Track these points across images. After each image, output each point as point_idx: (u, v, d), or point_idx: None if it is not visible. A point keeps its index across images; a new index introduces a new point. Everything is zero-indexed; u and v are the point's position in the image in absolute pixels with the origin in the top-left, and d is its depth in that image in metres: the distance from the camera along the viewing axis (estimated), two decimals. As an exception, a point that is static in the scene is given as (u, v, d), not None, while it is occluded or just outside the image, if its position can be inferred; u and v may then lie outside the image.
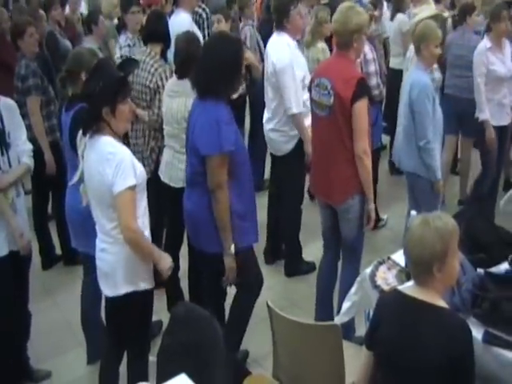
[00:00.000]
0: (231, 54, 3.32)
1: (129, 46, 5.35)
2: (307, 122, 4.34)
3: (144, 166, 3.82)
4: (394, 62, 6.74)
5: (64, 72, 3.89)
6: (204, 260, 3.53)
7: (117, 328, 3.20)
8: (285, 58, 4.44)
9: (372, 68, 5.21)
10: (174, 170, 4.08)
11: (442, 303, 2.37)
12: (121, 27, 5.84)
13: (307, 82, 4.34)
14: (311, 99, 3.88)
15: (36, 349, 3.96)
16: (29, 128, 4.56)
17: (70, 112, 3.65)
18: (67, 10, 8.42)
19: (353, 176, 3.65)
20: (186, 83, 3.83)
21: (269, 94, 4.65)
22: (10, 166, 3.51)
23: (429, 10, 5.59)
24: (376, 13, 6.17)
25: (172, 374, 2.37)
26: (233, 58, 3.33)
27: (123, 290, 3.02)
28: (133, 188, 2.90)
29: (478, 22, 6.10)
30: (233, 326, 3.66)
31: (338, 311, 3.58)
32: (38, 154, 4.62)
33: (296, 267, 4.92)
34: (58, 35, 6.59)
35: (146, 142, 4.52)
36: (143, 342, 3.24)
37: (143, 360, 3.23)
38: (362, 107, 3.53)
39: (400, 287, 2.56)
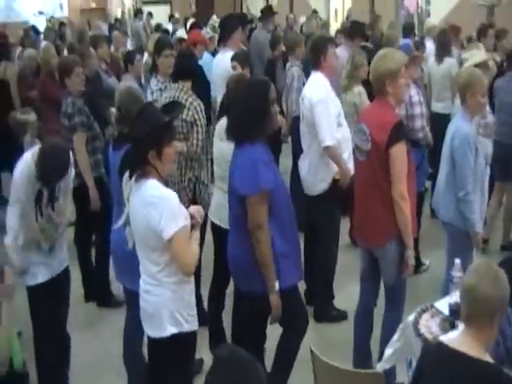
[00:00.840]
0: (257, 97, 3.39)
1: (160, 89, 5.32)
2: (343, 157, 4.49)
3: (181, 196, 3.92)
4: (437, 107, 6.75)
5: (117, 110, 3.99)
6: (247, 301, 3.55)
7: (160, 368, 3.22)
8: (320, 92, 4.59)
9: (417, 110, 5.26)
10: (223, 211, 4.05)
11: (487, 357, 2.34)
12: (152, 70, 5.76)
13: (342, 119, 4.42)
14: (354, 144, 3.96)
15: (77, 380, 4.02)
16: (75, 164, 4.71)
17: (119, 151, 3.65)
18: (112, 47, 8.71)
19: (390, 220, 3.64)
20: None
21: (305, 133, 4.75)
22: (53, 210, 3.74)
23: (479, 55, 5.48)
24: (417, 53, 6.14)
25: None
26: (259, 100, 3.38)
27: (168, 331, 3.05)
28: (185, 228, 2.97)
29: None
30: (279, 366, 3.64)
31: (380, 358, 3.55)
32: (83, 188, 4.82)
33: (326, 313, 4.86)
34: (102, 73, 6.75)
35: (183, 173, 4.62)
36: (185, 382, 3.26)
37: None
38: (398, 151, 3.55)
39: (444, 338, 2.54)
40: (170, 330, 3.04)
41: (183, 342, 3.10)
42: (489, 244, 5.95)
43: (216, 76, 6.36)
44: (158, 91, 5.32)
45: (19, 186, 3.63)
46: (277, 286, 3.31)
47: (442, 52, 6.89)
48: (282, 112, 5.45)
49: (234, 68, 5.49)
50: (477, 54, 5.46)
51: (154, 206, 2.92)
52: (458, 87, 4.35)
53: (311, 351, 2.94)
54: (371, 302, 4.05)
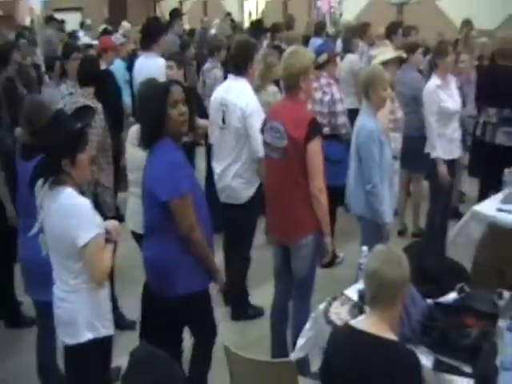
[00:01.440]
0: (153, 99, 3.32)
1: (71, 94, 5.27)
2: None
3: None
4: (346, 102, 6.92)
5: (25, 120, 3.88)
6: (165, 304, 3.41)
7: (77, 375, 3.18)
8: (252, 102, 4.53)
9: (340, 107, 5.41)
10: (138, 216, 3.98)
11: (390, 335, 2.45)
12: (61, 75, 5.79)
13: None
14: (264, 143, 3.97)
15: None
16: None
17: (31, 162, 3.53)
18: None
19: (308, 214, 3.73)
20: None
21: (230, 141, 4.60)
22: None
23: (388, 52, 5.57)
24: (336, 51, 6.32)
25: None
26: (155, 102, 3.29)
27: (85, 337, 3.03)
28: (100, 236, 2.98)
29: (420, 60, 6.37)
30: (196, 373, 3.63)
31: (293, 348, 3.60)
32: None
33: (243, 311, 4.92)
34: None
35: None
36: None
37: None
38: (315, 147, 3.63)
39: (351, 322, 2.64)
40: (87, 335, 3.03)
41: (100, 347, 3.09)
42: (406, 234, 6.23)
43: (140, 79, 6.27)
44: (68, 96, 5.26)
45: None
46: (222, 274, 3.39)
47: (346, 50, 7.09)
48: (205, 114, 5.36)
49: (169, 68, 5.48)
50: (386, 51, 5.57)
51: (71, 215, 2.93)
52: (360, 84, 4.46)
53: (225, 348, 2.96)
54: (286, 296, 4.12)
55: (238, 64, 4.65)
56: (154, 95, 3.35)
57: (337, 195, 4.95)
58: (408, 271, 2.48)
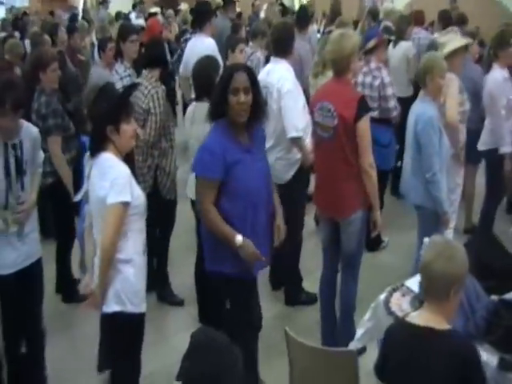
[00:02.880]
0: (218, 84, 3.38)
1: (129, 75, 5.39)
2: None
3: (142, 182, 4.20)
4: (398, 90, 6.79)
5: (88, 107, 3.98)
6: (213, 281, 3.58)
7: (109, 344, 3.30)
8: (290, 83, 4.53)
9: (390, 91, 5.46)
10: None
11: (446, 326, 2.40)
12: (117, 56, 5.78)
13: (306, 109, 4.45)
14: (314, 122, 4.01)
15: (52, 372, 3.98)
16: (49, 161, 4.61)
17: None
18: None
19: (358, 190, 3.84)
20: (204, 106, 3.94)
21: (270, 125, 4.51)
22: (22, 189, 3.57)
23: (457, 39, 5.18)
24: (385, 36, 6.20)
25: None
26: (218, 89, 3.34)
27: (111, 308, 3.08)
28: (126, 205, 2.98)
29: (477, 51, 6.19)
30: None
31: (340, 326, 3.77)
32: (57, 185, 4.66)
33: (296, 297, 4.92)
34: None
35: (144, 159, 4.68)
36: (127, 365, 3.27)
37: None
38: (364, 125, 3.74)
39: (406, 317, 2.57)
40: (114, 307, 3.07)
41: (126, 322, 3.12)
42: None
43: (191, 61, 6.31)
44: (128, 77, 5.31)
45: None
46: (239, 238, 3.22)
47: (398, 36, 6.96)
48: None
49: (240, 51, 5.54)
50: (455, 39, 5.24)
51: (107, 177, 3.00)
52: (418, 72, 4.40)
53: (286, 333, 2.96)
54: (334, 272, 4.22)
55: (277, 47, 4.69)
56: (220, 79, 3.39)
57: (384, 179, 4.91)
58: (464, 266, 2.39)
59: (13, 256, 3.57)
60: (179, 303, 4.95)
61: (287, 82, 4.53)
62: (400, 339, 2.48)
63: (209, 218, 3.26)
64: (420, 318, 2.45)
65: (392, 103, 5.45)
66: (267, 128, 4.63)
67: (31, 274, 3.69)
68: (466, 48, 5.05)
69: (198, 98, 4.39)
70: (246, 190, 3.29)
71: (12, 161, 3.49)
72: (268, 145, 4.59)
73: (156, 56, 4.85)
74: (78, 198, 3.36)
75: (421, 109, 4.20)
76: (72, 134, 4.85)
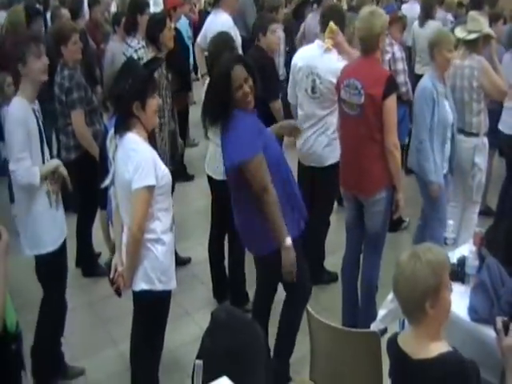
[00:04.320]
0: (220, 86, 3.33)
1: (143, 47, 5.31)
2: None
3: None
4: (421, 69, 6.71)
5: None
6: (262, 264, 3.59)
7: (138, 321, 3.29)
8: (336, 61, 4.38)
9: (400, 66, 5.47)
10: (215, 163, 4.24)
11: (439, 347, 2.25)
12: (130, 30, 5.72)
13: None
14: (341, 99, 3.98)
15: (71, 346, 4.03)
16: (73, 136, 4.63)
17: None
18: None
19: (383, 170, 3.84)
20: None
21: (306, 104, 4.56)
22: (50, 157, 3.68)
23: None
24: (400, 14, 6.15)
25: (212, 377, 2.40)
26: (221, 90, 3.31)
27: (139, 286, 3.09)
28: (151, 188, 2.95)
29: (502, 31, 5.99)
30: (285, 338, 3.69)
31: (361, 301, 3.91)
32: (81, 161, 4.67)
33: (317, 276, 4.85)
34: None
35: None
36: (155, 340, 3.30)
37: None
38: (391, 103, 3.72)
39: (399, 335, 2.41)
40: (141, 285, 3.08)
41: (155, 300, 3.14)
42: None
43: (208, 35, 6.21)
44: (142, 49, 5.27)
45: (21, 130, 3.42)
46: (288, 241, 3.27)
47: (425, 15, 6.87)
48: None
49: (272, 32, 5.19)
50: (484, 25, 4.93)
51: (130, 160, 2.95)
52: (428, 47, 4.39)
53: (307, 312, 2.96)
54: (357, 251, 4.22)
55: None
56: (218, 80, 3.35)
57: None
58: (431, 277, 2.16)
59: (57, 232, 3.65)
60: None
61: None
62: (395, 367, 2.41)
63: (271, 200, 3.22)
64: (407, 344, 2.31)
65: (402, 78, 5.43)
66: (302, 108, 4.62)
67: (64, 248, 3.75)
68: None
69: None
70: (278, 165, 3.34)
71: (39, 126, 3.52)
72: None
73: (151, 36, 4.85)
74: (105, 183, 3.32)
75: (422, 80, 4.34)
76: (95, 107, 4.82)
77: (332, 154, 4.51)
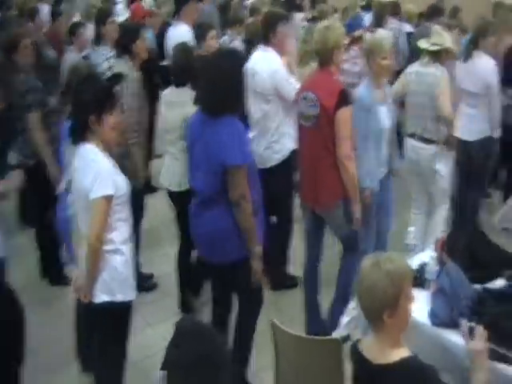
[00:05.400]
0: (236, 69, 3.40)
1: (114, 56, 5.23)
2: None
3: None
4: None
5: (66, 86, 3.93)
6: (225, 271, 3.53)
7: (99, 334, 3.25)
8: (275, 63, 4.57)
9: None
10: (172, 175, 4.31)
11: (400, 352, 2.27)
12: (97, 39, 5.90)
13: None
14: (298, 112, 4.08)
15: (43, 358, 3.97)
16: (27, 142, 4.57)
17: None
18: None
19: (338, 180, 3.91)
20: (184, 92, 4.17)
21: (257, 107, 4.64)
22: None
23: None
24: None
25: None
26: (237, 73, 3.39)
27: (99, 298, 3.06)
28: (109, 198, 2.94)
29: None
30: (242, 342, 3.71)
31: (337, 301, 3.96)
32: (38, 167, 4.58)
33: (279, 281, 4.92)
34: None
35: None
36: (116, 351, 3.26)
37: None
38: (343, 115, 3.81)
39: (361, 341, 2.42)
40: (102, 297, 3.05)
41: (116, 311, 3.11)
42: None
43: (170, 48, 6.27)
44: (114, 58, 5.21)
45: None
46: (260, 248, 3.37)
47: (375, 24, 6.95)
48: None
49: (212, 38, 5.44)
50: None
51: (90, 170, 2.96)
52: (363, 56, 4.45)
53: (272, 322, 2.96)
54: (316, 260, 4.29)
55: (263, 35, 4.68)
56: (235, 69, 3.39)
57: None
58: (390, 290, 2.17)
59: None
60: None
61: (273, 64, 4.57)
62: (360, 373, 2.42)
63: (248, 208, 3.28)
64: (369, 349, 2.33)
65: None
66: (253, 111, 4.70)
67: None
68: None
69: (177, 85, 4.32)
70: (254, 174, 3.41)
71: None
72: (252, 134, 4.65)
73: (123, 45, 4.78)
74: (60, 189, 3.29)
75: (357, 91, 4.31)
76: (51, 109, 4.76)
77: (274, 156, 4.63)
